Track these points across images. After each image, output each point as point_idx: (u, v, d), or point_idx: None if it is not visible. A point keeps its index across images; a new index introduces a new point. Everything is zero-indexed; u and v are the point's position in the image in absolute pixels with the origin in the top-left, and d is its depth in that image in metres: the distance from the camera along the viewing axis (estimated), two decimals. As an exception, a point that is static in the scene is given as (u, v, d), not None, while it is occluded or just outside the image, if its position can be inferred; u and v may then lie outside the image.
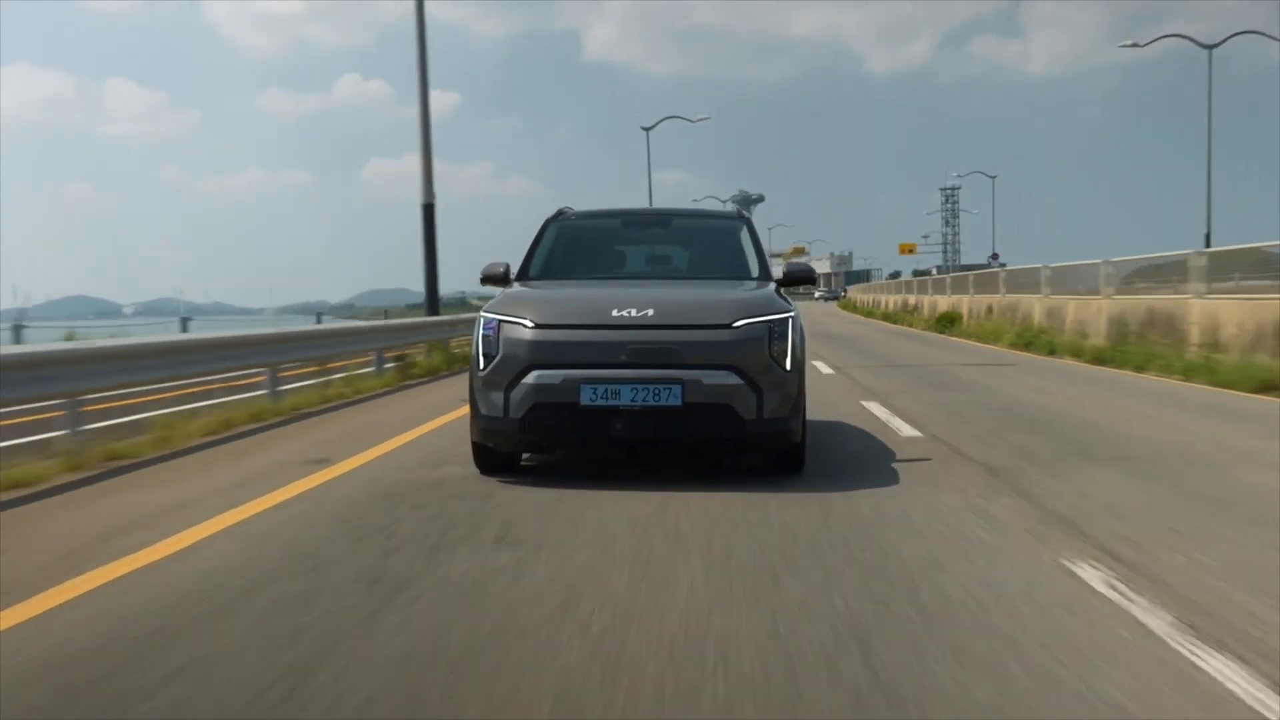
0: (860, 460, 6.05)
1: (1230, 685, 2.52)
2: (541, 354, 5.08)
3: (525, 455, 5.74)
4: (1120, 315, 14.97)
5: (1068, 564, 3.64)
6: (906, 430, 7.27)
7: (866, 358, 15.71)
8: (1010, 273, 23.96)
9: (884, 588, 3.34)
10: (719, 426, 4.99)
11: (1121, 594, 3.27)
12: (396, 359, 12.95)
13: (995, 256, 76.32)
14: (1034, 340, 16.99)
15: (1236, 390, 9.98)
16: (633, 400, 4.96)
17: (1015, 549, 3.88)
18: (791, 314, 5.38)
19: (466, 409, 5.51)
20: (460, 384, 8.67)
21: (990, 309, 22.81)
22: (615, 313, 5.16)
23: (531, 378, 5.05)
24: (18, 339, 13.99)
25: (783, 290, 5.87)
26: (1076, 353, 14.93)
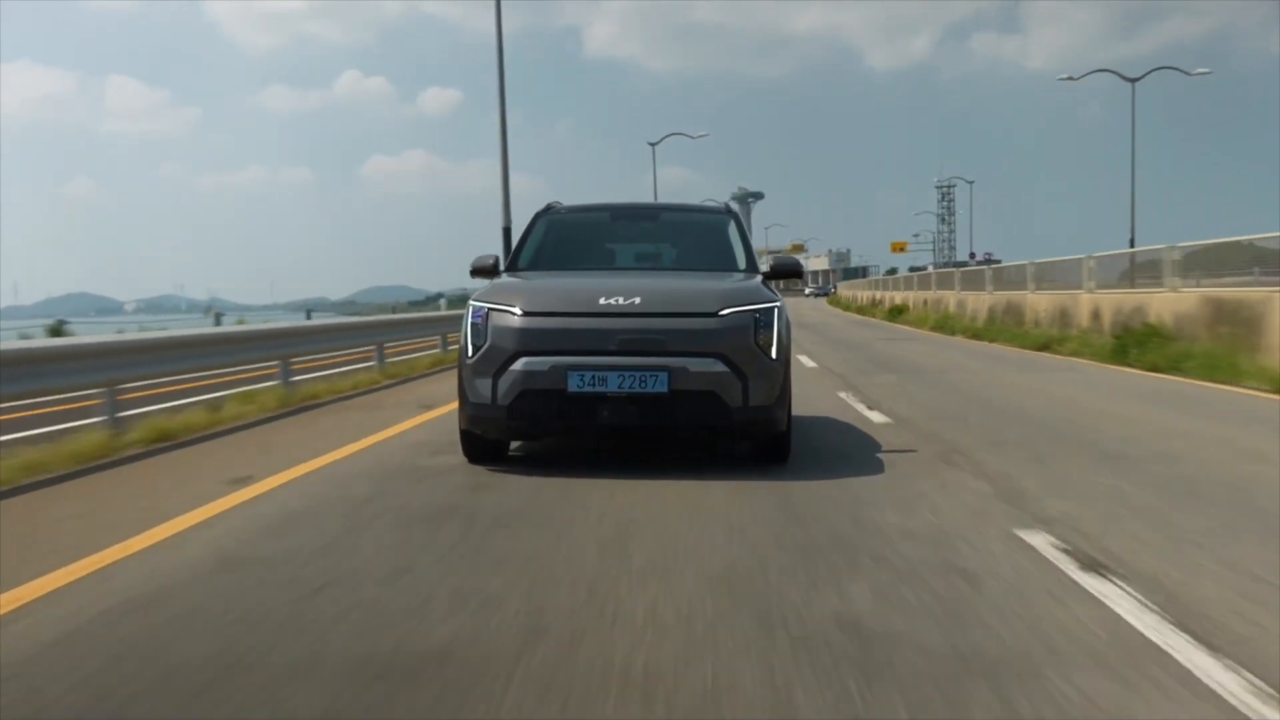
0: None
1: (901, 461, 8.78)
2: (529, 341, 5.16)
3: (513, 445, 5.94)
4: (994, 305, 21.36)
5: (841, 394, 9.89)
6: (810, 364, 13.58)
7: (819, 336, 22.02)
8: (965, 273, 30.16)
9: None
10: (705, 414, 5.09)
11: (858, 400, 9.55)
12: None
13: (973, 255, 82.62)
14: (944, 325, 23.39)
15: (1022, 348, 16.40)
16: (619, 387, 5.02)
17: (823, 393, 10.15)
18: (777, 304, 5.45)
19: None
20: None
21: (925, 302, 29.31)
22: (603, 300, 5.23)
23: (519, 365, 5.13)
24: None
25: (770, 283, 6.03)
26: (963, 332, 21.32)
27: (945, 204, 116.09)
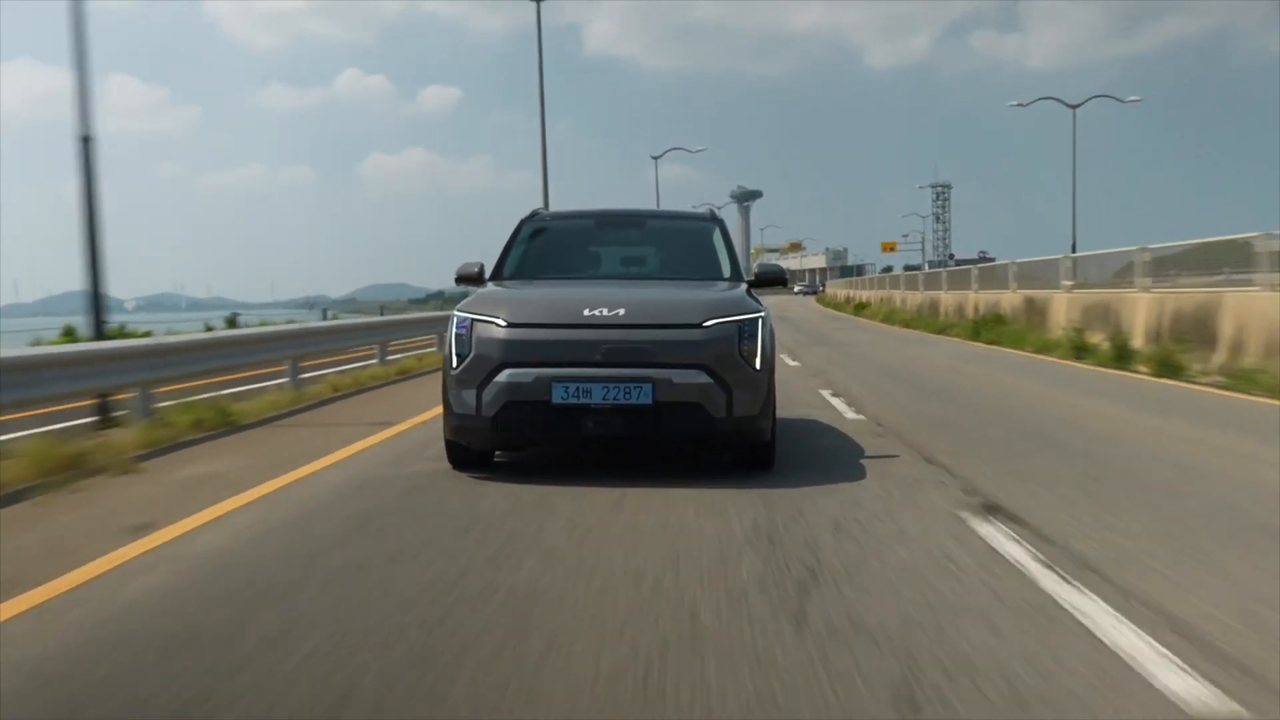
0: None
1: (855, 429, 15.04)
2: (513, 353, 5.17)
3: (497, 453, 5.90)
4: (922, 302, 27.68)
5: (781, 355, 16.15)
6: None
7: (789, 325, 28.16)
8: (907, 277, 36.52)
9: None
10: (689, 425, 5.11)
11: (791, 358, 15.80)
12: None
13: (951, 256, 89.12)
14: (889, 317, 29.71)
15: (926, 331, 22.71)
16: (604, 399, 5.04)
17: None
18: (762, 314, 5.47)
19: None
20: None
21: (882, 299, 35.69)
22: (587, 312, 5.25)
23: (504, 376, 5.13)
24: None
25: (754, 291, 6.02)
26: (899, 323, 27.62)
27: (940, 204, 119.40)
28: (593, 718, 2.39)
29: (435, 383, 6.22)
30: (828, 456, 6.23)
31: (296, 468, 5.84)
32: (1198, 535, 4.15)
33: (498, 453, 5.87)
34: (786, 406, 7.92)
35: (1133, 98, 47.67)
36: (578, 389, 5.08)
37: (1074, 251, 37.64)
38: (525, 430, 5.27)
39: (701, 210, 7.86)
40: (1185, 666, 2.68)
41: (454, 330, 5.41)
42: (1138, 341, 12.87)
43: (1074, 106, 46.86)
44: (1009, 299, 19.80)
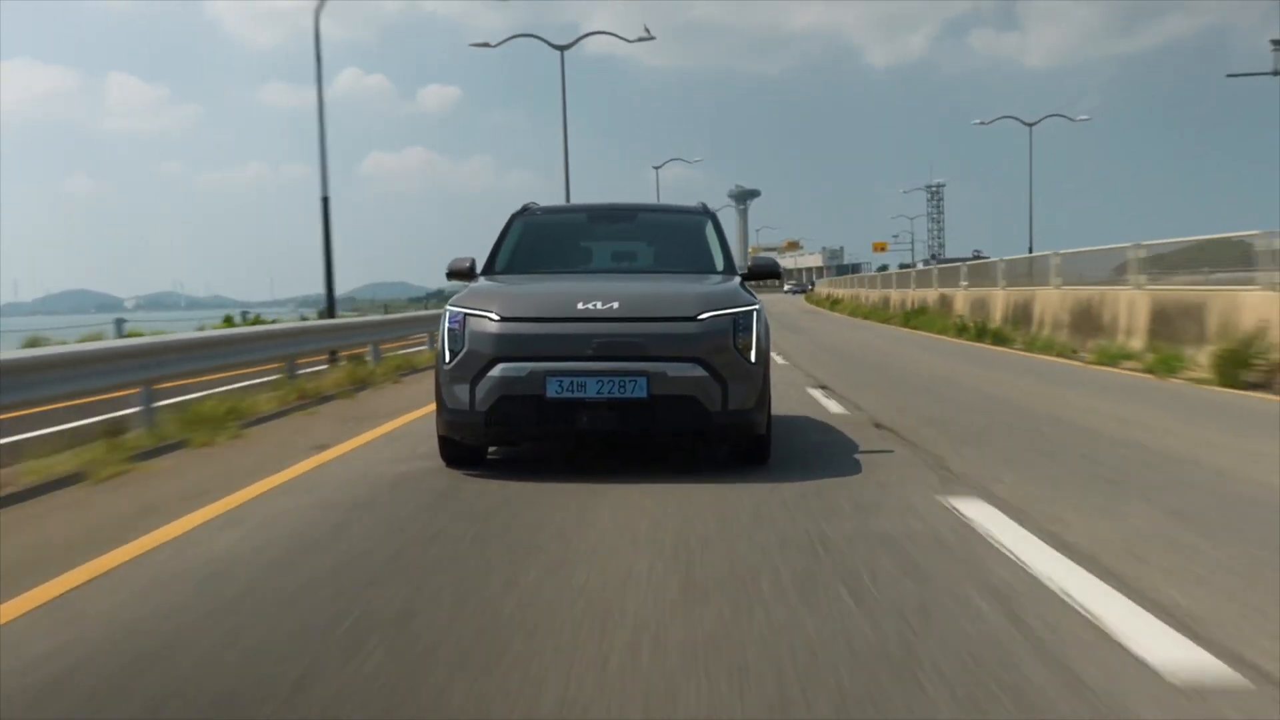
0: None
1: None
2: (507, 347, 5.15)
3: (491, 449, 5.86)
4: (879, 299, 33.67)
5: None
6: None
7: (769, 319, 34.26)
8: (898, 274, 42.32)
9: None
10: (684, 418, 5.11)
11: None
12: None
13: (934, 256, 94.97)
14: (853, 311, 35.68)
15: (876, 322, 28.69)
16: (599, 393, 5.03)
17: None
18: (756, 307, 5.47)
19: None
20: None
21: (853, 296, 41.71)
22: (580, 305, 5.24)
23: (497, 371, 5.11)
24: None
25: (747, 284, 6.01)
26: (860, 315, 33.57)
27: (934, 203, 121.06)
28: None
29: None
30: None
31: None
32: (953, 408, 10.02)
33: (491, 449, 5.83)
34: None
35: (1083, 117, 53.76)
36: (572, 383, 5.04)
37: (1030, 252, 43.68)
38: (519, 425, 5.24)
39: (693, 204, 7.50)
40: (930, 463, 8.54)
41: (446, 325, 5.37)
42: (995, 323, 18.81)
43: (1030, 124, 52.63)
44: (931, 295, 25.77)
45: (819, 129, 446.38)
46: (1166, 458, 5.91)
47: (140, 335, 14.85)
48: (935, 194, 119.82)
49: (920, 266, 40.27)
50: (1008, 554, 3.68)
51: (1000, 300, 19.33)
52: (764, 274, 6.33)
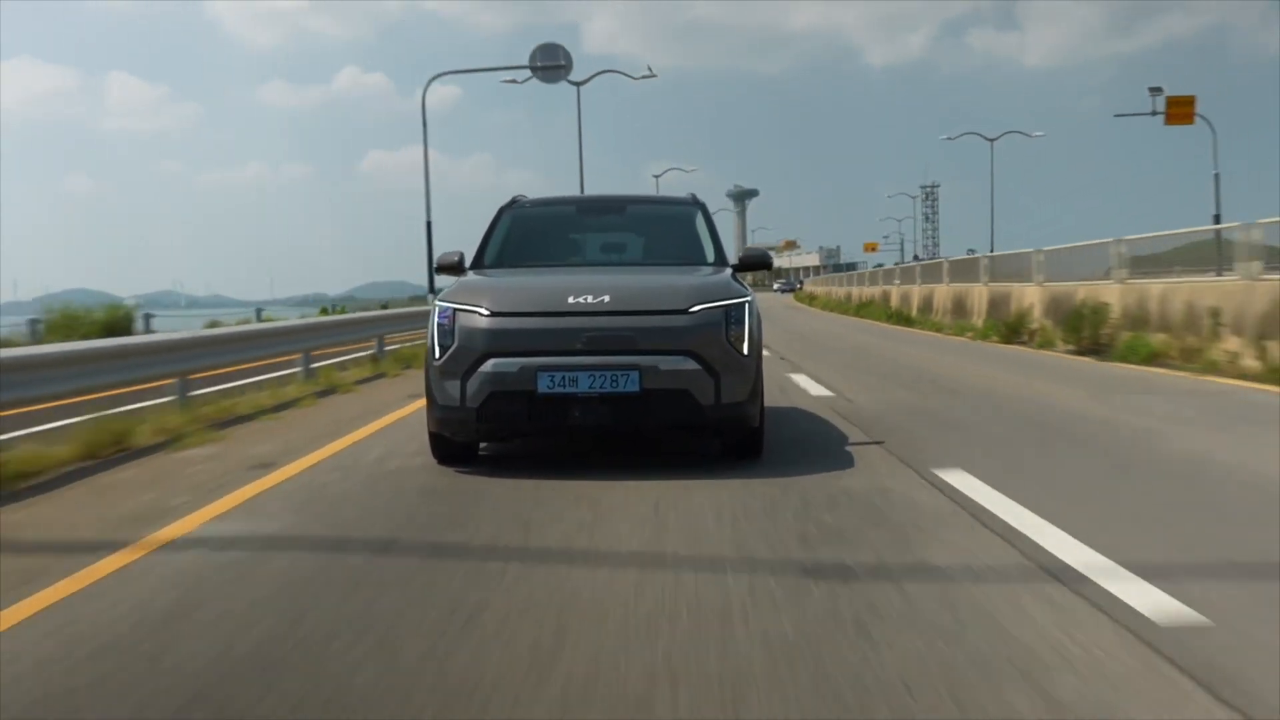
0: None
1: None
2: (498, 342, 5.12)
3: (482, 445, 5.82)
4: (844, 295, 40.26)
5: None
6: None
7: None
8: (859, 274, 48.71)
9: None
10: (677, 412, 5.10)
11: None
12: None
13: (917, 257, 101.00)
14: (826, 306, 42.20)
15: (839, 314, 35.29)
16: (590, 387, 5.00)
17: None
18: (748, 299, 5.44)
19: None
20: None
21: (828, 293, 48.27)
22: (571, 299, 5.21)
23: (488, 366, 5.08)
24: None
25: (739, 276, 5.93)
26: (829, 309, 40.07)
27: (929, 203, 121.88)
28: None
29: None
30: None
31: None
32: (842, 355, 16.46)
33: (482, 445, 5.78)
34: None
35: (1038, 133, 59.92)
36: (564, 378, 5.01)
37: (992, 251, 50.23)
38: (511, 421, 5.19)
39: (683, 195, 7.35)
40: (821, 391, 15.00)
41: (436, 320, 5.31)
42: (910, 311, 25.28)
43: (992, 140, 59.07)
44: (879, 291, 32.30)
45: (818, 129, 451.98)
46: (922, 367, 12.32)
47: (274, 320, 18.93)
48: (930, 194, 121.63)
49: (887, 267, 46.74)
50: (807, 389, 9.98)
51: (916, 294, 25.86)
52: (755, 265, 6.29)
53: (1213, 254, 12.48)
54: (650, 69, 39.16)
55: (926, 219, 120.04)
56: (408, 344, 15.04)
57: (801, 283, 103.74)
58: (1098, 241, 15.03)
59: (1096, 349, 12.94)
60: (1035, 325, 15.82)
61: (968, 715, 2.32)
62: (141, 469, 5.90)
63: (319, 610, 3.13)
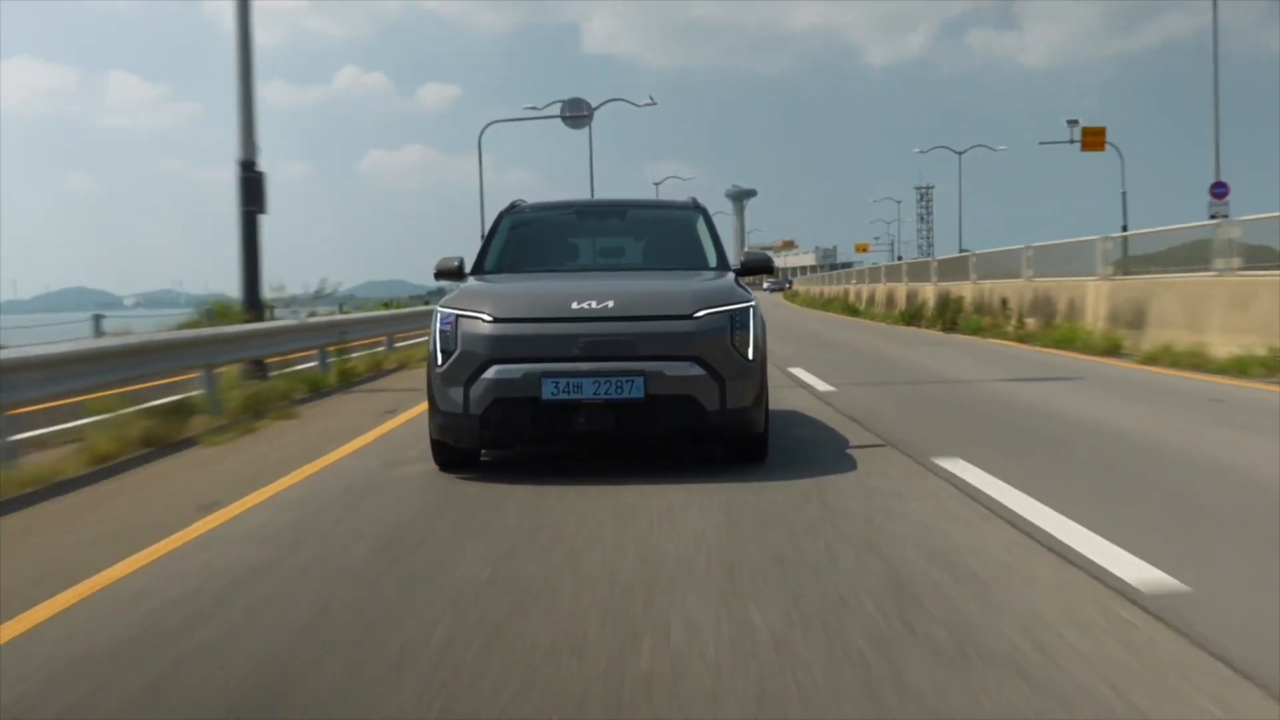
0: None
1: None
2: (501, 348, 5.12)
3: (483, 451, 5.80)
4: (818, 292, 46.73)
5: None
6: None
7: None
8: (831, 274, 55.22)
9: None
10: (682, 418, 5.09)
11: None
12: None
13: (900, 256, 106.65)
14: (806, 303, 48.60)
15: (811, 309, 41.80)
16: (595, 394, 4.99)
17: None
18: (752, 303, 5.44)
19: None
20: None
21: (807, 291, 54.72)
22: (575, 305, 5.20)
23: (491, 373, 5.07)
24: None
25: (740, 280, 5.95)
26: (805, 305, 46.48)
27: (923, 204, 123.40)
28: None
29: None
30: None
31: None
32: (794, 334, 22.90)
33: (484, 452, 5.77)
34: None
35: (1001, 146, 65.84)
36: (568, 384, 5.00)
37: (934, 253, 56.60)
38: (514, 428, 5.19)
39: (684, 199, 7.24)
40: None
41: (438, 326, 5.30)
42: (861, 305, 31.72)
43: (960, 153, 65.26)
44: (845, 288, 38.79)
45: (817, 129, 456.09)
46: (843, 343, 18.64)
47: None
48: (924, 196, 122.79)
49: (858, 268, 53.07)
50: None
51: (865, 291, 32.39)
52: (757, 269, 6.30)
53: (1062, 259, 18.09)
54: (652, 98, 44.57)
55: (921, 219, 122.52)
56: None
57: (790, 282, 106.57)
58: (961, 255, 21.44)
59: (953, 326, 19.30)
60: (928, 313, 22.24)
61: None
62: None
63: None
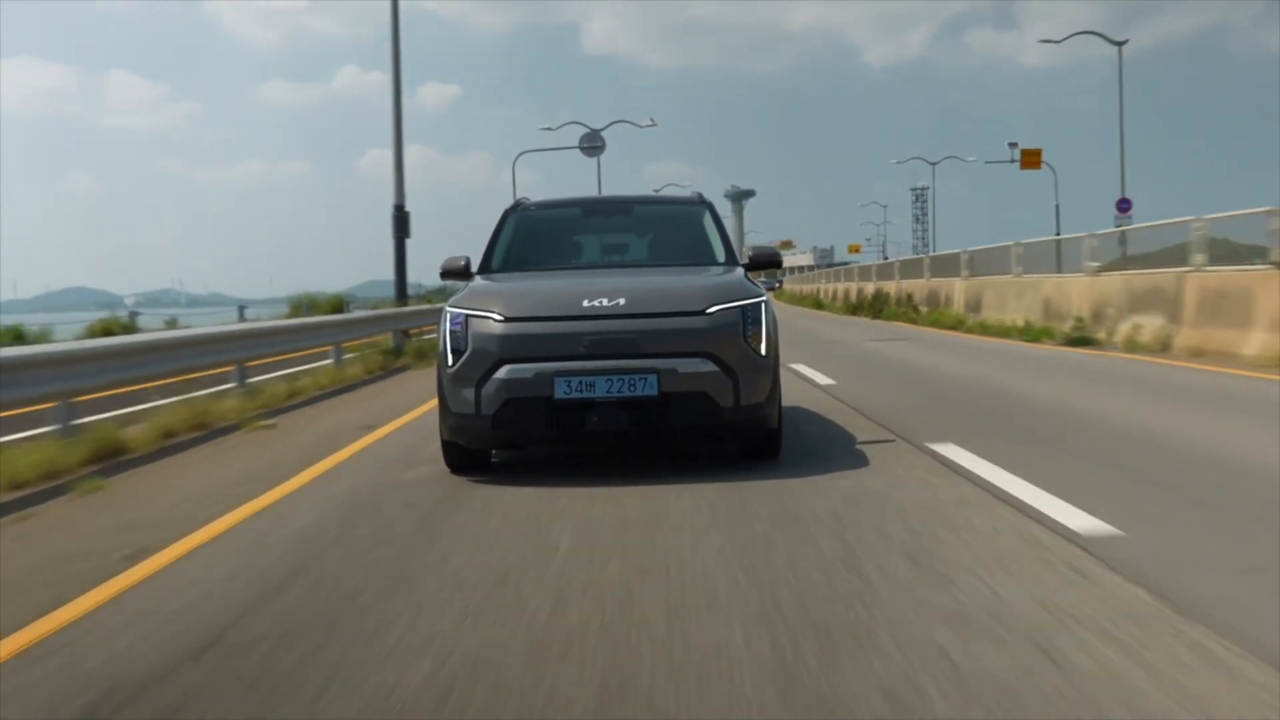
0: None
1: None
2: (512, 348, 5.08)
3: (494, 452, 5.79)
4: (799, 289, 53.18)
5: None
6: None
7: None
8: (812, 274, 61.60)
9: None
10: (696, 415, 5.06)
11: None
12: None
13: (886, 256, 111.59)
14: (793, 300, 54.87)
15: (797, 306, 48.40)
16: (608, 392, 4.96)
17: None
18: (764, 298, 5.41)
19: None
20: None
21: (793, 290, 61.18)
22: (586, 303, 5.17)
23: (503, 372, 5.04)
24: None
25: (752, 276, 5.94)
26: (788, 301, 52.91)
27: (919, 205, 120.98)
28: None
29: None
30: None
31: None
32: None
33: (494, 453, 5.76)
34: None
35: (971, 157, 71.71)
36: (581, 383, 4.97)
37: (929, 252, 62.79)
38: (527, 428, 5.16)
39: (689, 194, 7.24)
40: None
41: (448, 326, 5.27)
42: (826, 300, 38.16)
43: (934, 164, 71.07)
44: (817, 287, 45.26)
45: (816, 128, 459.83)
46: (789, 325, 25.01)
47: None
48: (919, 197, 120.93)
49: (833, 269, 59.12)
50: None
51: (832, 289, 38.90)
52: (766, 264, 6.34)
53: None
54: (653, 119, 50.13)
55: (917, 220, 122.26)
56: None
57: (780, 282, 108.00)
58: (888, 261, 27.89)
59: (878, 314, 25.74)
60: (865, 305, 28.77)
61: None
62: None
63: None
